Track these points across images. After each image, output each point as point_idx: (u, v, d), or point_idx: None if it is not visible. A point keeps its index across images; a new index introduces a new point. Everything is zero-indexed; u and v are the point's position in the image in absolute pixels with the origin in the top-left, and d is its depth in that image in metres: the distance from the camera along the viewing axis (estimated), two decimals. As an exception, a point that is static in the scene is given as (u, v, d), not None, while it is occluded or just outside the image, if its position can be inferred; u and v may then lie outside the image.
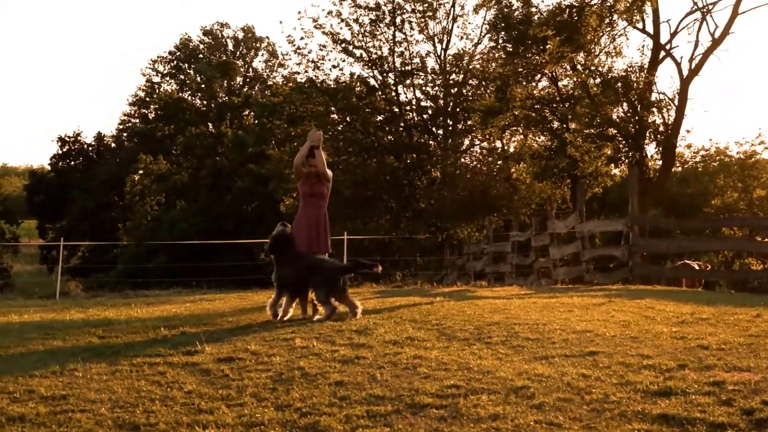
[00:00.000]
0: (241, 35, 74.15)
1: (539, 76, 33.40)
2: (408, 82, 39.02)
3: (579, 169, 28.08)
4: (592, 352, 6.67)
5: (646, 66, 27.49)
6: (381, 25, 38.16)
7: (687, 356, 6.42)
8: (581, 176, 28.06)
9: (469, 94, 39.40)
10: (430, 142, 39.63)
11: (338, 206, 34.56)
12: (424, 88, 39.48)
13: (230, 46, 74.02)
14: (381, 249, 38.26)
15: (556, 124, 31.96)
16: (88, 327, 9.15)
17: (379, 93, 38.96)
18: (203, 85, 63.80)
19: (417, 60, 39.20)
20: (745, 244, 23.61)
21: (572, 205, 28.78)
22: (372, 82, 38.99)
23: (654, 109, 26.50)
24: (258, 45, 74.00)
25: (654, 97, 26.87)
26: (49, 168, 75.19)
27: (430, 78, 39.41)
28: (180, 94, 65.28)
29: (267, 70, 73.49)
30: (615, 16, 27.88)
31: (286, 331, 8.13)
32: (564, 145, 28.38)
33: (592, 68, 27.66)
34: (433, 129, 39.79)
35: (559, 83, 31.83)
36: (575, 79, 29.55)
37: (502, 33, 32.11)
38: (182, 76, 71.66)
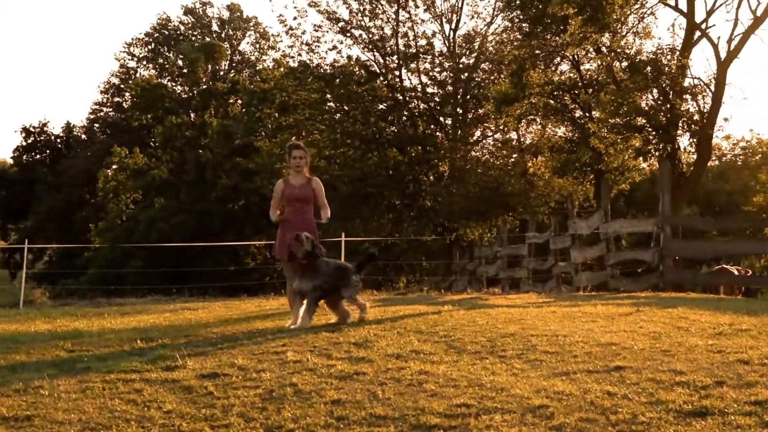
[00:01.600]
0: (226, 15, 74.13)
1: (559, 59, 33.38)
2: (413, 66, 39.01)
3: (603, 163, 28.04)
4: (619, 368, 6.66)
5: (678, 48, 27.45)
6: (382, 2, 38.17)
7: (725, 372, 6.41)
8: (606, 171, 28.03)
9: (481, 79, 39.40)
10: (438, 133, 39.62)
11: (335, 205, 34.56)
12: (430, 72, 39.47)
13: (215, 27, 74.01)
14: (383, 252, 38.25)
15: (578, 113, 31.95)
16: (55, 339, 9.15)
17: (381, 78, 38.95)
18: (185, 70, 63.77)
19: (423, 42, 39.20)
20: (790, 247, 23.59)
21: (596, 203, 28.78)
22: (373, 66, 39.00)
23: (687, 96, 26.48)
24: (245, 25, 73.99)
25: (687, 82, 26.86)
26: (11, 162, 75.17)
27: (437, 62, 39.40)
28: (158, 80, 65.20)
29: (256, 53, 73.50)
30: (644, -8, 27.85)
31: (277, 344, 8.13)
32: (587, 137, 28.36)
33: (619, 50, 27.62)
34: (441, 118, 39.79)
35: (582, 67, 31.82)
36: (599, 63, 29.53)
37: (518, 11, 32.12)
38: (161, 60, 71.66)
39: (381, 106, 39.05)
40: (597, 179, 29.09)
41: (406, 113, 38.68)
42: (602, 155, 27.78)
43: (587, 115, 30.79)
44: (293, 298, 10.08)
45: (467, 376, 6.50)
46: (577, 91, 31.04)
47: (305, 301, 9.73)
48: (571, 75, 32.19)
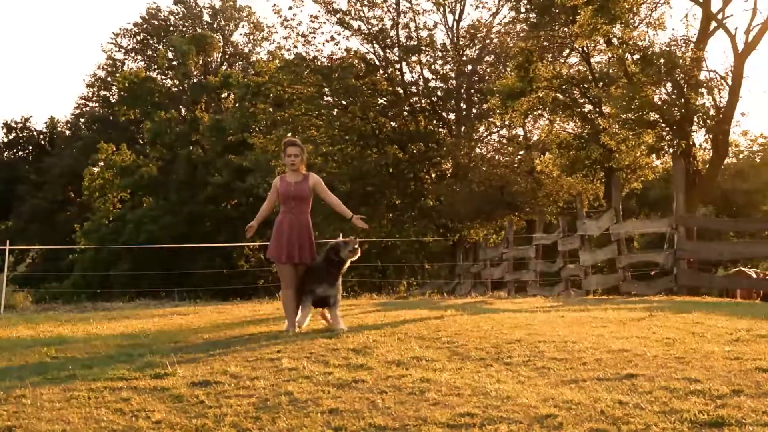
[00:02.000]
0: (218, 4, 74.14)
1: (568, 51, 33.36)
2: (414, 59, 39.03)
3: (614, 161, 28.01)
4: (631, 375, 6.66)
5: (693, 39, 27.41)
6: (382, -9, 38.22)
7: (743, 380, 6.40)
8: (617, 169, 28.00)
9: (486, 72, 39.40)
10: (440, 129, 39.64)
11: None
12: (432, 65, 39.48)
13: (206, 17, 74.01)
14: (382, 254, 38.23)
15: (587, 108, 31.91)
16: (38, 346, 9.14)
17: (381, 72, 38.97)
18: (175, 63, 63.76)
19: (424, 33, 39.21)
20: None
21: (606, 202, 28.76)
22: (372, 58, 39.01)
23: (703, 90, 26.42)
24: (238, 15, 73.98)
25: (703, 75, 26.79)
26: (-8, 159, 75.06)
27: (439, 54, 39.41)
28: (147, 73, 65.18)
29: (249, 45, 73.49)
30: (658, -19, 27.80)
31: (272, 350, 8.13)
32: (597, 133, 28.34)
33: (630, 42, 27.58)
34: (444, 114, 39.81)
35: (592, 60, 31.80)
36: (610, 56, 29.51)
37: (525, 1, 32.07)
38: (150, 52, 71.62)
39: (381, 101, 39.07)
40: (608, 177, 29.07)
41: (407, 108, 38.69)
42: (613, 152, 27.75)
43: (597, 110, 30.76)
44: (289, 302, 10.08)
45: (471, 384, 6.50)
46: (586, 85, 31.00)
47: (335, 307, 10.02)
48: (581, 68, 32.18)
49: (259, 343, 8.69)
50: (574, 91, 31.48)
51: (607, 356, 7.45)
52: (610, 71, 30.35)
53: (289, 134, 36.54)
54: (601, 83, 30.39)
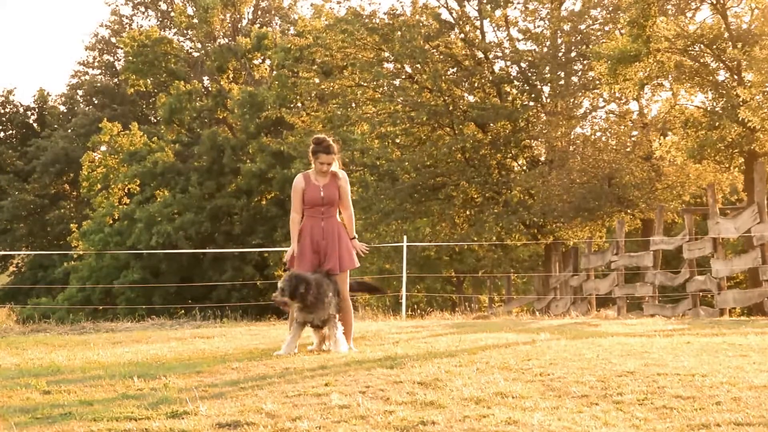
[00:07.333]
0: (249, -54, 74.65)
1: (697, 3, 33.08)
2: (499, 14, 38.96)
3: (758, 143, 27.76)
4: (778, 418, 6.60)
5: None
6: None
7: None
8: (761, 153, 27.73)
9: (591, 31, 39.21)
10: (531, 103, 39.53)
11: (395, 199, 34.63)
12: (522, 22, 39.40)
13: (234, -38, 74.54)
14: (456, 261, 38.20)
15: (722, 75, 31.64)
16: (25, 377, 9.26)
17: (456, 31, 38.96)
18: (196, 20, 64.27)
19: (513, -20, 39.14)
20: None
21: (747, 196, 28.50)
22: (445, 14, 39.02)
23: None
24: (275, -40, 74.44)
25: None
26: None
27: (531, 8, 39.30)
28: (161, 33, 65.80)
29: (289, -1, 73.95)
30: None
31: (318, 383, 8.17)
32: (735, 107, 28.09)
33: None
34: (537, 84, 39.67)
35: (728, 13, 31.50)
36: (753, 6, 29.22)
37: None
38: (165, 7, 72.23)
39: (456, 68, 39.06)
40: (748, 164, 28.81)
41: (489, 77, 38.65)
42: (756, 132, 27.51)
43: (735, 77, 30.48)
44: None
45: (571, 428, 6.50)
46: (721, 46, 30.73)
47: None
48: (714, 24, 31.89)
49: (302, 374, 8.75)
50: (705, 54, 31.21)
51: (748, 394, 7.40)
52: (753, 27, 30.04)
53: (339, 109, 36.69)
54: (741, 43, 30.10)
